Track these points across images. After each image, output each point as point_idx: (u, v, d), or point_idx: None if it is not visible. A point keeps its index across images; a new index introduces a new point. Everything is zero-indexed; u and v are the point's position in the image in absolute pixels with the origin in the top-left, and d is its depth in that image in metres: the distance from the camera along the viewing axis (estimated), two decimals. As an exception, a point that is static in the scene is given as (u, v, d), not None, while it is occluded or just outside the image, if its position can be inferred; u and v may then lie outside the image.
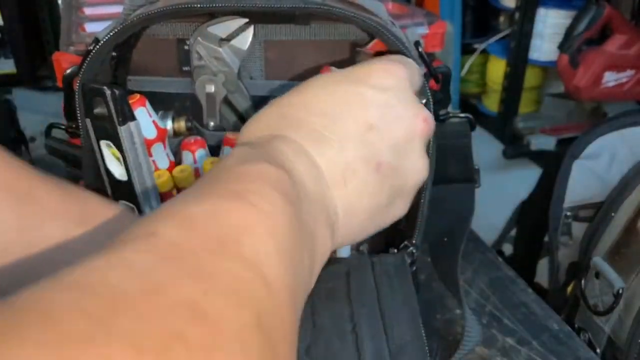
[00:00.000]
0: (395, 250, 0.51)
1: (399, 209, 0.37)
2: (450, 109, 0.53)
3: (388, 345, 0.42)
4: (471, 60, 1.91)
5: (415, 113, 0.35)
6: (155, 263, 0.21)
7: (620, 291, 0.60)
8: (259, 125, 0.34)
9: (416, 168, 0.35)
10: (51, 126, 0.51)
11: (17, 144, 0.91)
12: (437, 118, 0.51)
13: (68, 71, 0.47)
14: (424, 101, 0.44)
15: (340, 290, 0.48)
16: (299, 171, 0.30)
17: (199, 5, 0.43)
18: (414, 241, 0.50)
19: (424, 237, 0.51)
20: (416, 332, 0.42)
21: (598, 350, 0.63)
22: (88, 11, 0.70)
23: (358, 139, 0.33)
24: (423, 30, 0.66)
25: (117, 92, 0.42)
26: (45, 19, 1.65)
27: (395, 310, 0.43)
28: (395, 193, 0.35)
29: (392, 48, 0.43)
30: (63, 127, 0.50)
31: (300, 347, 0.44)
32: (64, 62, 0.53)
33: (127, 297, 0.18)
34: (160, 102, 0.51)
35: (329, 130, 0.32)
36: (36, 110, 1.22)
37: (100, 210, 0.35)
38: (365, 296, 0.45)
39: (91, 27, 0.65)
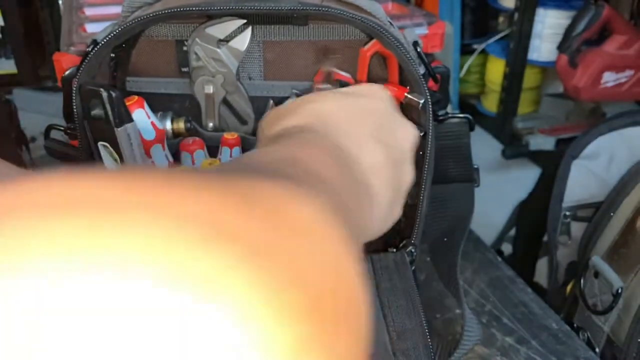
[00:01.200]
0: (395, 250, 0.52)
1: (397, 211, 0.39)
2: (449, 109, 0.53)
3: (388, 332, 0.42)
4: (470, 60, 1.90)
5: (411, 124, 0.40)
6: None
7: (619, 290, 0.60)
8: (292, 117, 0.35)
9: (408, 177, 0.39)
10: (50, 127, 0.52)
11: (18, 144, 0.91)
12: (436, 118, 0.51)
13: (67, 72, 0.47)
14: (422, 101, 0.44)
15: None
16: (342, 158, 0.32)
17: (196, 8, 0.43)
18: (413, 240, 0.50)
19: (423, 237, 0.51)
20: (417, 320, 0.43)
21: (597, 350, 0.63)
22: (88, 12, 0.70)
23: (375, 141, 0.36)
24: (422, 30, 0.66)
25: (113, 93, 0.42)
26: (45, 20, 1.65)
27: (395, 301, 0.44)
28: (397, 187, 0.38)
29: (390, 48, 0.44)
30: (62, 128, 0.50)
31: None
32: (65, 62, 0.53)
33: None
34: (159, 103, 0.51)
35: (353, 135, 0.36)
36: (37, 111, 1.22)
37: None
38: None
39: (91, 28, 0.65)
